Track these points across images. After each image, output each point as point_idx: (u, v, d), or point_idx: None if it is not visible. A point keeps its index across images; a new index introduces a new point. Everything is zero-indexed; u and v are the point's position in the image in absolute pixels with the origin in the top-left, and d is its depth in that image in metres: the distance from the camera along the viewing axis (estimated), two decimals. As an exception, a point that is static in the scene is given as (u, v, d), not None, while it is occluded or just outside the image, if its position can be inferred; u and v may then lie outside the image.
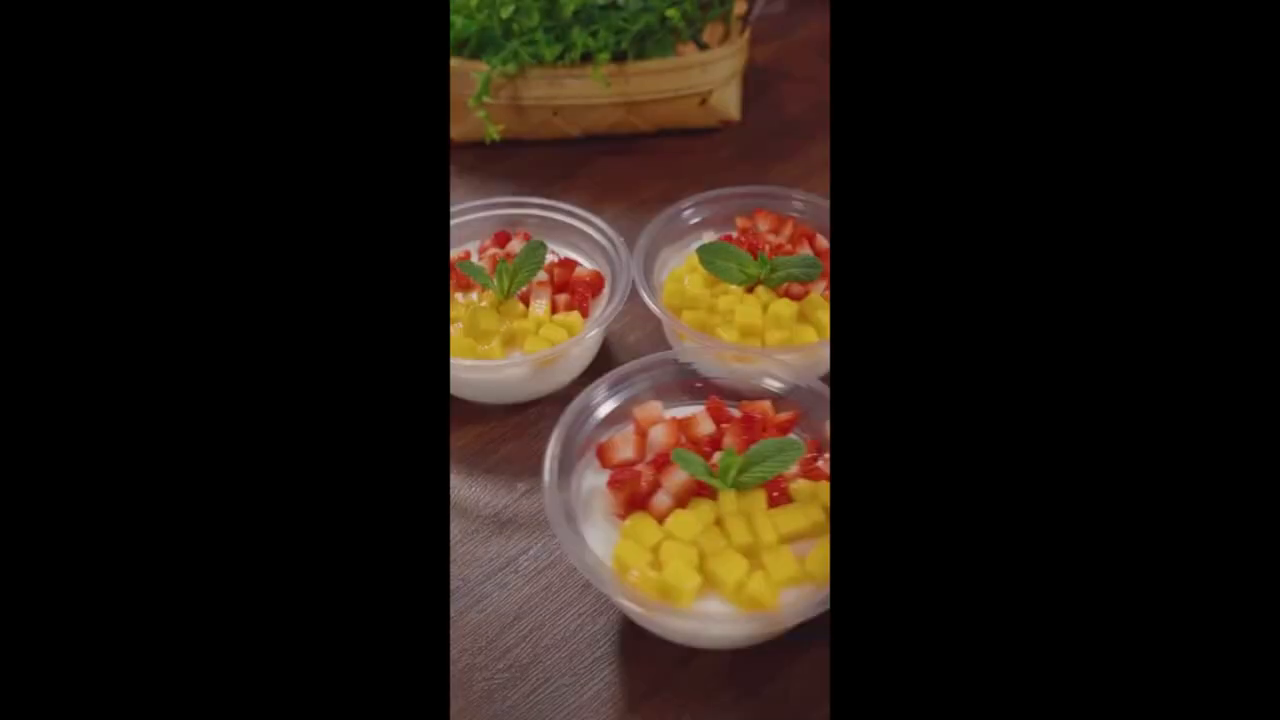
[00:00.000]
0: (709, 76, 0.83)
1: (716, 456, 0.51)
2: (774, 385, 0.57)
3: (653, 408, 0.54)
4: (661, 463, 0.50)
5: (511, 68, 0.80)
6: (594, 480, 0.53)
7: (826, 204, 0.70)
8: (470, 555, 0.57)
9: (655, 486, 0.50)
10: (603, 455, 0.53)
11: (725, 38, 0.87)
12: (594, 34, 0.80)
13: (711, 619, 0.47)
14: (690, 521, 0.49)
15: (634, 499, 0.50)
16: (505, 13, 0.79)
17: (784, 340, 0.62)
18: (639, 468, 0.51)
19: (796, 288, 0.64)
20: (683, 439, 0.53)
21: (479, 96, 0.80)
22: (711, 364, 0.58)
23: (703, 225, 0.71)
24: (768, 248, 0.66)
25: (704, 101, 0.85)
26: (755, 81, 0.94)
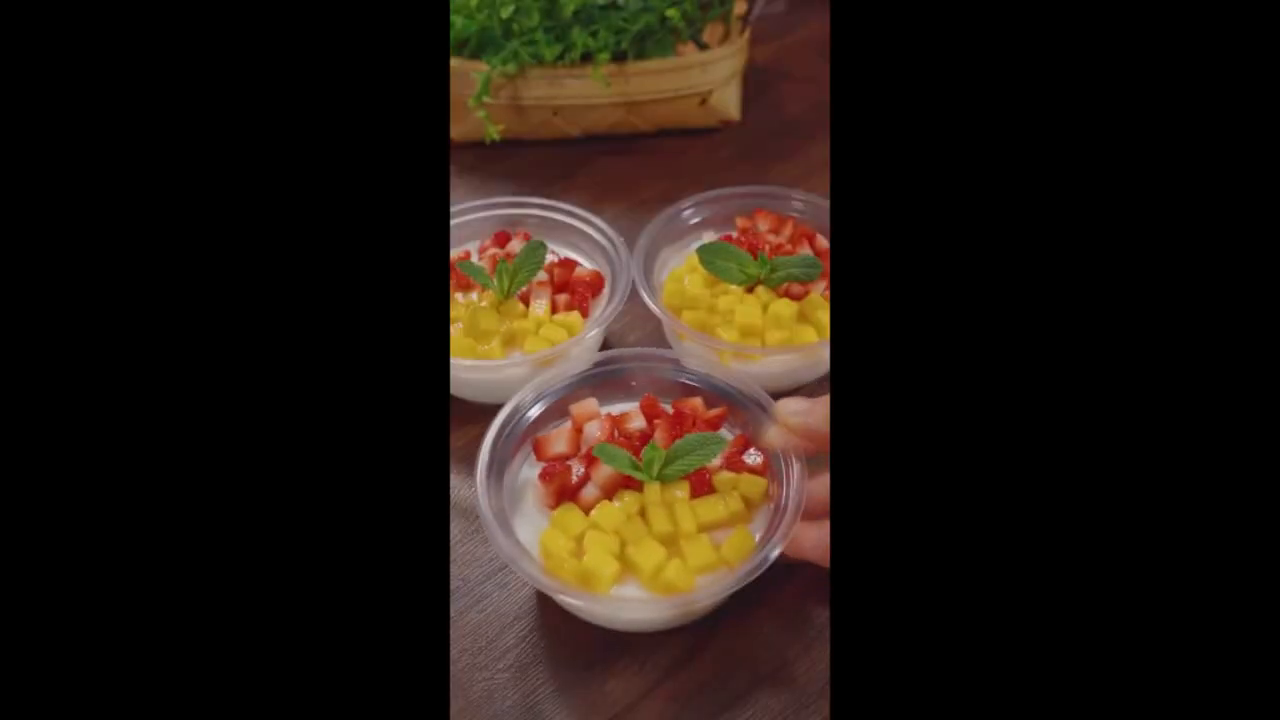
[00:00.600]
0: (709, 76, 0.83)
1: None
2: (699, 382, 0.58)
3: (589, 404, 0.57)
4: (592, 457, 0.53)
5: (511, 68, 0.80)
6: (529, 473, 0.56)
7: (826, 204, 0.70)
8: (470, 555, 0.57)
9: (585, 479, 0.53)
10: (539, 449, 0.56)
11: (725, 38, 0.87)
12: (594, 34, 0.80)
13: (627, 603, 0.50)
14: (614, 512, 0.52)
15: (563, 490, 0.53)
16: (505, 13, 0.79)
17: (784, 340, 0.62)
18: (570, 461, 0.54)
19: (796, 288, 0.64)
20: (616, 434, 0.55)
21: (479, 96, 0.80)
22: (711, 363, 0.59)
23: (703, 225, 0.71)
24: (768, 248, 0.66)
25: (704, 101, 0.85)
26: (755, 81, 0.94)
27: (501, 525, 0.50)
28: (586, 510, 0.52)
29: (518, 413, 0.56)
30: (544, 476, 0.53)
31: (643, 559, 0.50)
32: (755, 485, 0.53)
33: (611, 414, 0.57)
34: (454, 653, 0.52)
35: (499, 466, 0.54)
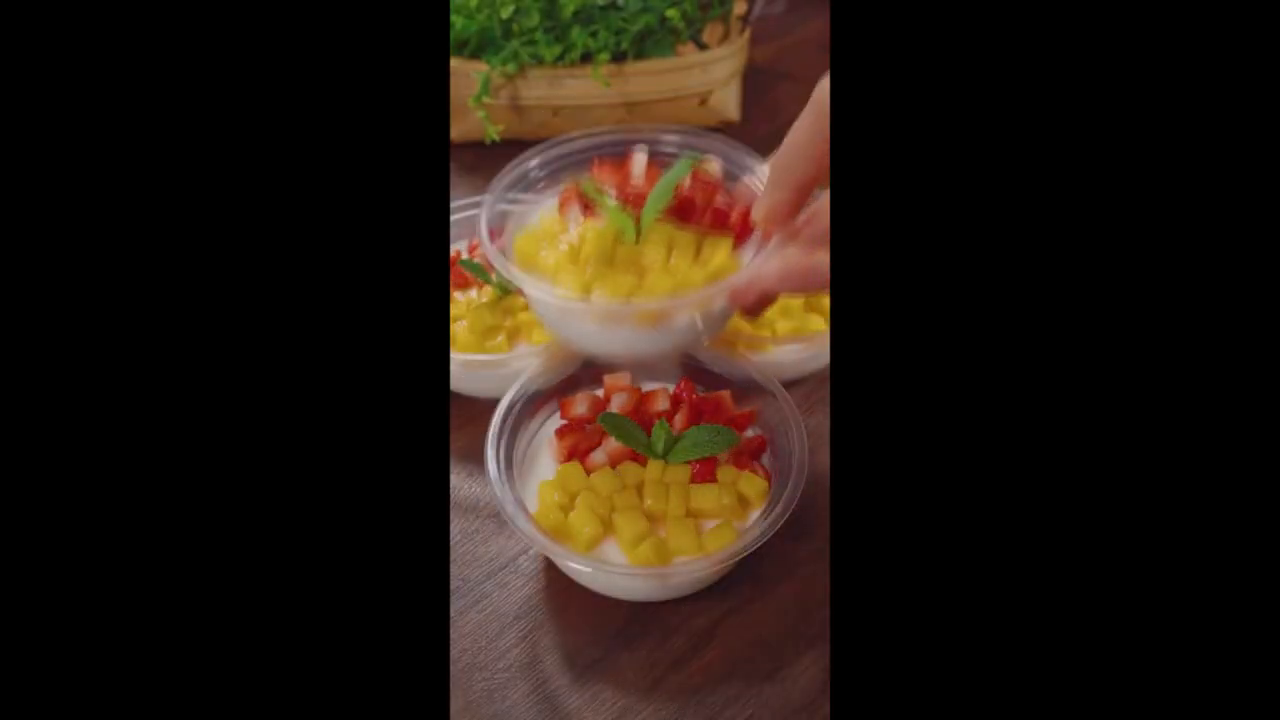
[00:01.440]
0: (708, 77, 0.83)
1: None
2: (742, 377, 0.59)
3: (621, 376, 0.59)
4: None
5: (511, 68, 0.80)
6: (553, 426, 0.58)
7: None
8: (470, 555, 0.57)
9: (595, 444, 0.55)
10: (564, 407, 0.58)
11: (725, 38, 0.87)
12: (594, 34, 0.80)
13: (604, 567, 0.52)
14: (610, 479, 0.54)
15: (574, 450, 0.55)
16: (505, 13, 0.79)
17: (793, 330, 0.62)
18: (588, 426, 0.56)
19: None
20: (638, 409, 0.57)
21: (479, 97, 0.80)
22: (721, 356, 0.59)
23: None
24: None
25: (703, 102, 0.85)
26: (755, 82, 0.94)
27: (507, 473, 0.53)
28: (589, 472, 0.54)
29: (545, 375, 0.58)
30: (560, 432, 0.56)
31: (626, 526, 0.51)
32: (754, 486, 0.54)
33: (640, 389, 0.58)
34: (454, 652, 0.52)
35: (517, 419, 0.56)
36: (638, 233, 0.53)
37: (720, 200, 0.55)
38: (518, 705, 0.49)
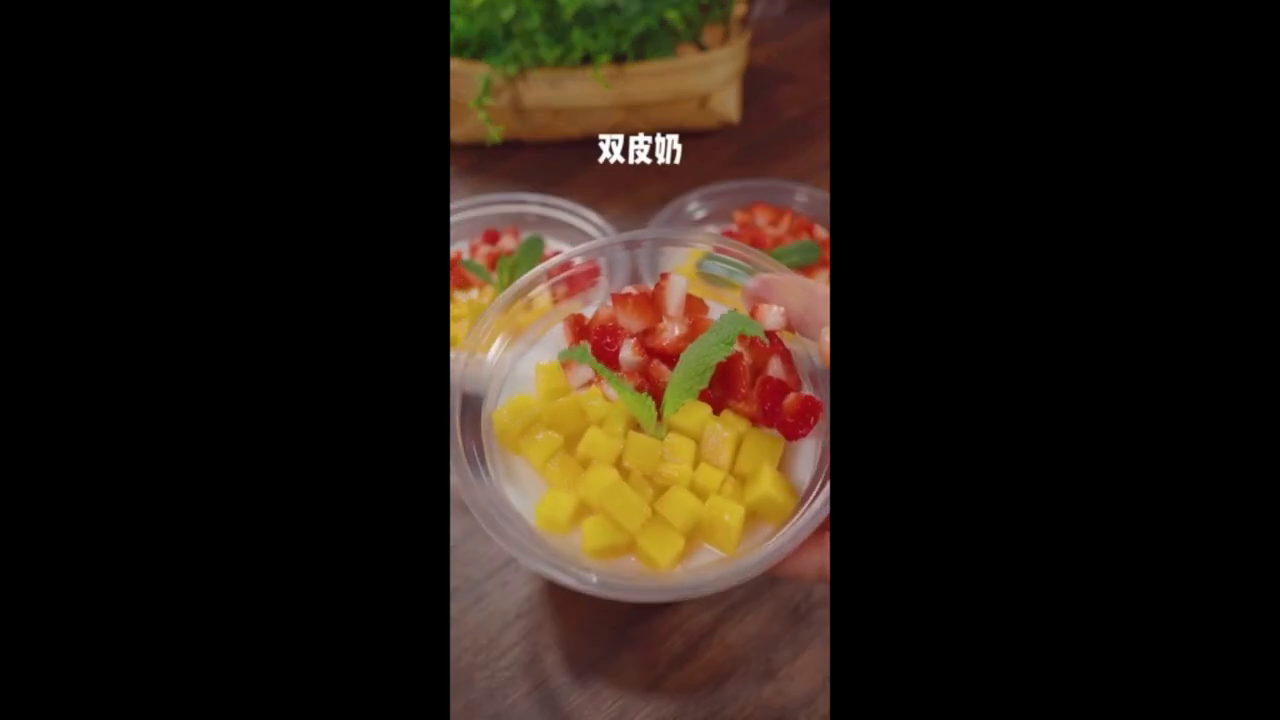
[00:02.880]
0: (708, 78, 0.84)
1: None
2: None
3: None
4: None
5: (512, 69, 0.80)
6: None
7: (827, 196, 0.72)
8: (472, 554, 0.57)
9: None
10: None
11: (725, 39, 0.87)
12: (594, 36, 0.80)
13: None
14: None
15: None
16: (506, 15, 0.79)
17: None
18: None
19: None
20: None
21: (480, 98, 0.80)
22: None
23: (706, 220, 0.72)
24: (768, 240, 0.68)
25: (703, 103, 0.85)
26: (754, 83, 0.94)
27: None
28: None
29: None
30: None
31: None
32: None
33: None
34: (455, 652, 0.52)
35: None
36: (659, 417, 0.40)
37: (777, 369, 0.39)
38: (518, 704, 0.50)
